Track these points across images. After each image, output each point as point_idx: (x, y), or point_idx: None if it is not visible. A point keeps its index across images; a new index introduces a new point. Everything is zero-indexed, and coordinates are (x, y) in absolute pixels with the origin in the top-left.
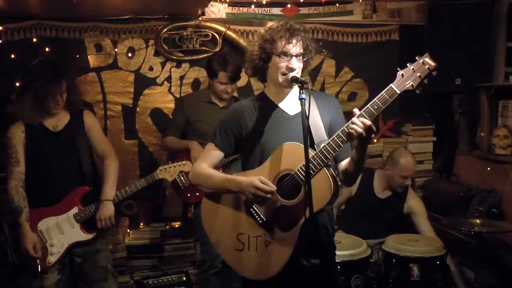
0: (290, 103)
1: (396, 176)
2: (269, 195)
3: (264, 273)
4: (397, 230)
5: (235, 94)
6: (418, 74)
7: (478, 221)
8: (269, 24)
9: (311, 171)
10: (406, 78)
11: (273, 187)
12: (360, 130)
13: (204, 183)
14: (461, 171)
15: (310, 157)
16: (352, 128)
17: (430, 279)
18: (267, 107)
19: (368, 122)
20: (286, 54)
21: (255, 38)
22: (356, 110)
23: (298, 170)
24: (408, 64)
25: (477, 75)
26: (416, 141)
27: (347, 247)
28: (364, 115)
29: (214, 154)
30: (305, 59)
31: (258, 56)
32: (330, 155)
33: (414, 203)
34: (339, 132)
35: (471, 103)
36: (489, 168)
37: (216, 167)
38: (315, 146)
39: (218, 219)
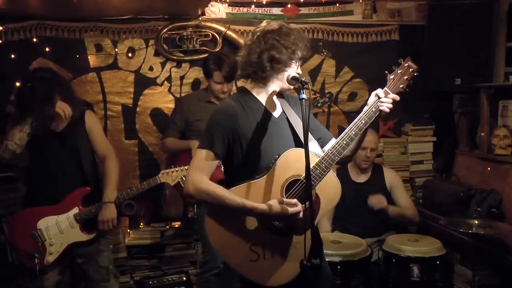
0: (273, 105)
1: (358, 151)
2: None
3: (285, 278)
4: (394, 226)
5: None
6: (406, 77)
7: (476, 221)
8: (297, 32)
9: (319, 174)
10: (396, 81)
11: (296, 202)
12: (391, 105)
13: (213, 201)
14: (461, 171)
15: (317, 161)
16: (383, 106)
17: (430, 279)
18: (256, 109)
19: (397, 97)
20: (299, 61)
21: (277, 38)
22: (379, 91)
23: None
24: (394, 68)
25: (477, 75)
26: (416, 141)
27: (347, 247)
28: (389, 91)
29: (210, 161)
30: None
31: (284, 59)
32: (336, 157)
33: (392, 176)
34: (347, 131)
35: (471, 103)
36: (489, 168)
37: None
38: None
39: (227, 233)
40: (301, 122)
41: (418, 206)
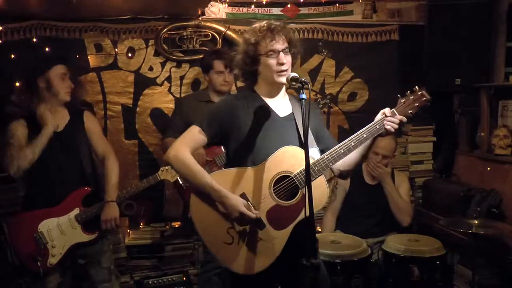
0: (280, 105)
1: (371, 154)
2: (252, 220)
3: (251, 268)
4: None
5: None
6: (416, 104)
7: (476, 221)
8: (250, 30)
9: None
10: (406, 105)
11: (257, 214)
12: (396, 126)
13: (185, 175)
14: (461, 171)
15: (311, 163)
16: (389, 125)
17: (430, 279)
18: (259, 105)
19: (404, 119)
20: (273, 51)
21: (240, 45)
22: (387, 110)
23: (298, 174)
24: (407, 93)
25: (477, 75)
26: (416, 141)
27: (347, 247)
28: (396, 112)
29: (198, 138)
30: (292, 52)
31: (247, 62)
32: (331, 163)
33: (401, 179)
34: (347, 141)
35: (471, 103)
36: (489, 168)
37: (218, 167)
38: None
39: (208, 212)
40: (310, 130)
41: (418, 206)
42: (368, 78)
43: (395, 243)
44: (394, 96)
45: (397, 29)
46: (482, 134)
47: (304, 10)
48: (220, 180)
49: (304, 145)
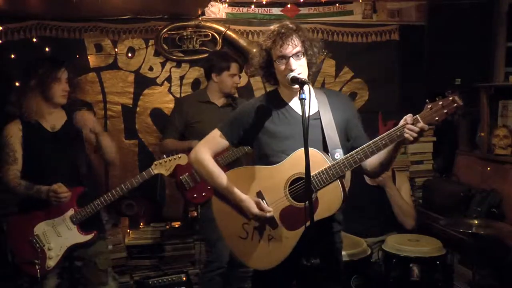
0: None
1: None
2: (267, 219)
3: (262, 264)
4: (394, 227)
5: (236, 94)
6: (445, 111)
7: (476, 221)
8: (264, 33)
9: (324, 180)
10: (433, 112)
11: (271, 212)
12: (416, 135)
13: (203, 175)
14: (461, 171)
15: (326, 166)
16: (408, 134)
17: (430, 279)
18: (280, 106)
19: (426, 127)
20: (282, 57)
21: (256, 49)
22: (409, 116)
23: (313, 176)
24: (437, 98)
25: (477, 75)
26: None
27: (347, 247)
28: (419, 120)
29: (220, 141)
30: (306, 55)
31: (263, 66)
32: (346, 168)
33: (401, 181)
34: (365, 147)
35: (471, 103)
36: (489, 168)
37: (222, 166)
38: (329, 154)
39: (226, 208)
40: (334, 126)
41: (418, 206)
42: (368, 78)
43: (395, 243)
44: (394, 96)
45: (397, 29)
46: (482, 134)
47: (304, 10)
48: (238, 178)
49: (304, 146)
